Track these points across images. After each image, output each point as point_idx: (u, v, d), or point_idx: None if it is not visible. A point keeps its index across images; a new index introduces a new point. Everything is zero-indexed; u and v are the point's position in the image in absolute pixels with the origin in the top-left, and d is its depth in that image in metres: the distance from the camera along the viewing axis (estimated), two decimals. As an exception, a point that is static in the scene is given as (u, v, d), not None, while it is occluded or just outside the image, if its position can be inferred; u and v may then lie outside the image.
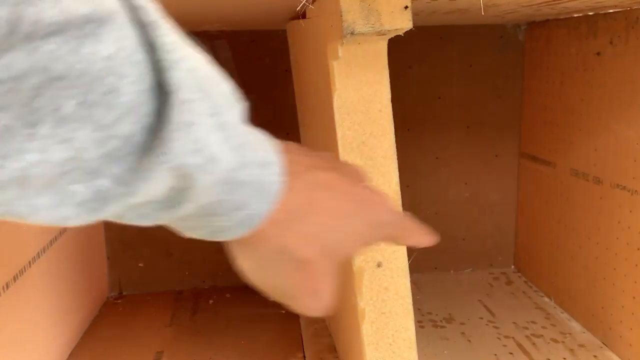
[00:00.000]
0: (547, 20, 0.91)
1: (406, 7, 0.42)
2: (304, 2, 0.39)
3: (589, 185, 0.80)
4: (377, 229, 0.32)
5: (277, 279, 0.29)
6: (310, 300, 0.30)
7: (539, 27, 0.93)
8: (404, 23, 0.43)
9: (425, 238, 0.34)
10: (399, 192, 0.52)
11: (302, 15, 0.66)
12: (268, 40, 0.95)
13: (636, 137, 0.70)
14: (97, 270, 0.96)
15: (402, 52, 0.97)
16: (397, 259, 0.53)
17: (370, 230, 0.31)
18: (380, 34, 0.43)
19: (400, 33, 0.44)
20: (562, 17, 0.86)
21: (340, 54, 0.46)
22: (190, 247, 0.99)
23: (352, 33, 0.43)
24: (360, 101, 0.51)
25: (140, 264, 1.00)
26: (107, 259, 0.99)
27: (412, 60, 0.98)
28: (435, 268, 1.05)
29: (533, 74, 0.96)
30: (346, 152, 0.51)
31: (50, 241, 0.75)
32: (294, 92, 0.88)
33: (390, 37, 0.46)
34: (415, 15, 0.64)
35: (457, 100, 1.01)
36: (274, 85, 0.97)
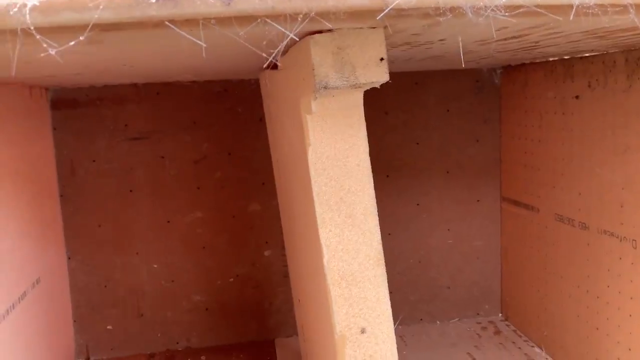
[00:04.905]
0: (523, 64, 0.90)
1: (382, 59, 0.40)
2: (270, 59, 0.36)
3: (575, 231, 0.78)
4: None
5: None
6: None
7: (514, 71, 0.93)
8: (379, 76, 0.40)
9: None
10: (382, 251, 0.49)
11: (274, 65, 0.64)
12: (240, 90, 0.93)
13: (621, 182, 0.68)
14: (63, 336, 0.90)
15: (377, 98, 0.95)
16: (382, 324, 0.49)
17: None
18: (355, 87, 0.41)
19: (377, 85, 0.42)
20: (537, 60, 0.85)
21: (313, 108, 0.43)
22: (162, 307, 0.94)
23: (325, 87, 0.40)
24: (336, 156, 0.48)
25: (109, 327, 0.94)
26: (74, 322, 0.93)
27: (388, 106, 0.97)
28: (421, 319, 1.01)
29: (510, 118, 0.95)
30: (323, 210, 0.48)
31: (7, 309, 0.69)
32: (268, 141, 0.85)
33: (365, 89, 0.44)
34: (391, 62, 0.62)
35: (436, 145, 0.99)
36: (247, 134, 0.94)
